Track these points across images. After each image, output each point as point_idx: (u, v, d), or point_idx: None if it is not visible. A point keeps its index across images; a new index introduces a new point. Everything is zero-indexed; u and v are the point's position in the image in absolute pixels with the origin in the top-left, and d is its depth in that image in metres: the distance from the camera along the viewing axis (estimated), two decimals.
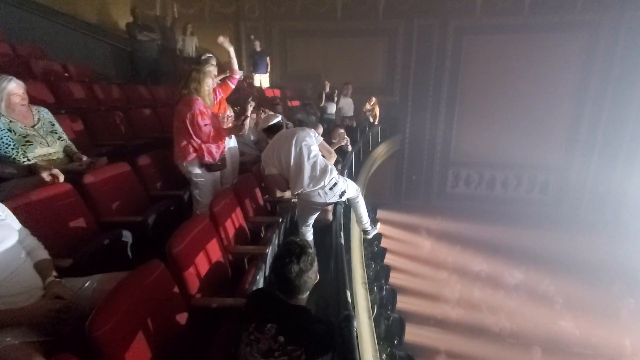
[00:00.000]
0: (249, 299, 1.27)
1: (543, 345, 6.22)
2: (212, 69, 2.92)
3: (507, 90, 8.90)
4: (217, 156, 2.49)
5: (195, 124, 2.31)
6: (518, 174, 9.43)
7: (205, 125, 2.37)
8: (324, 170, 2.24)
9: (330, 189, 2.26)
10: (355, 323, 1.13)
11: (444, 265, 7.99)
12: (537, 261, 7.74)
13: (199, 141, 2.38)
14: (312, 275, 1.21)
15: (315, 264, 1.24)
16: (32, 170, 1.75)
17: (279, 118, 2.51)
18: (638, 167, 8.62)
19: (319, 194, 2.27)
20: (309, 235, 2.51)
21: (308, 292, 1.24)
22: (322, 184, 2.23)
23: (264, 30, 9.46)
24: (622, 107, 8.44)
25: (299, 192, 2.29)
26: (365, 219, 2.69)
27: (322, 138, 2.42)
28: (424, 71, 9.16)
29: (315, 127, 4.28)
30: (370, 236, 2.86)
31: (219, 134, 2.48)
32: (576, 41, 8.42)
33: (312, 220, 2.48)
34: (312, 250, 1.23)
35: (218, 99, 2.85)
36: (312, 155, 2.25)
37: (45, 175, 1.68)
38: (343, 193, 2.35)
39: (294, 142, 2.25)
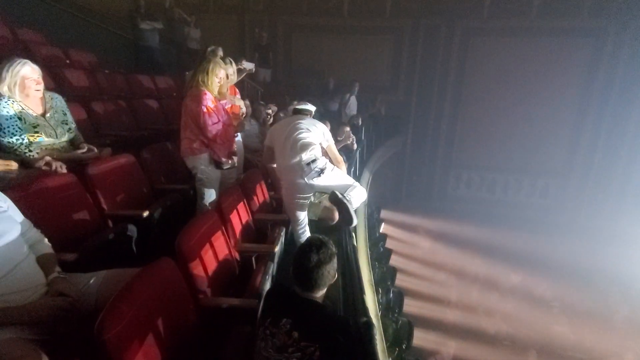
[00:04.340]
0: (267, 294, 1.24)
1: (538, 349, 6.25)
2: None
3: (512, 94, 8.86)
4: (226, 156, 2.35)
5: (203, 122, 2.17)
6: (519, 178, 9.42)
7: (214, 124, 2.21)
8: (304, 146, 2.15)
9: (308, 164, 2.12)
10: (375, 331, 1.08)
11: (442, 266, 7.99)
12: (535, 265, 7.75)
13: (207, 140, 2.26)
14: (331, 271, 1.19)
15: (335, 260, 1.21)
16: (25, 163, 1.66)
17: (313, 108, 2.46)
18: (636, 175, 8.66)
19: (297, 170, 2.14)
20: (306, 236, 2.32)
21: (325, 290, 1.20)
22: (298, 158, 2.12)
23: (269, 24, 9.32)
24: (624, 115, 8.45)
25: (281, 171, 2.25)
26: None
27: (333, 140, 2.33)
28: (429, 71, 9.08)
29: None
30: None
31: (228, 133, 2.34)
32: (581, 47, 8.39)
33: (303, 216, 2.32)
34: (333, 247, 1.22)
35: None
36: (299, 135, 2.18)
37: (41, 164, 1.59)
38: (322, 170, 2.15)
39: (299, 124, 2.23)
